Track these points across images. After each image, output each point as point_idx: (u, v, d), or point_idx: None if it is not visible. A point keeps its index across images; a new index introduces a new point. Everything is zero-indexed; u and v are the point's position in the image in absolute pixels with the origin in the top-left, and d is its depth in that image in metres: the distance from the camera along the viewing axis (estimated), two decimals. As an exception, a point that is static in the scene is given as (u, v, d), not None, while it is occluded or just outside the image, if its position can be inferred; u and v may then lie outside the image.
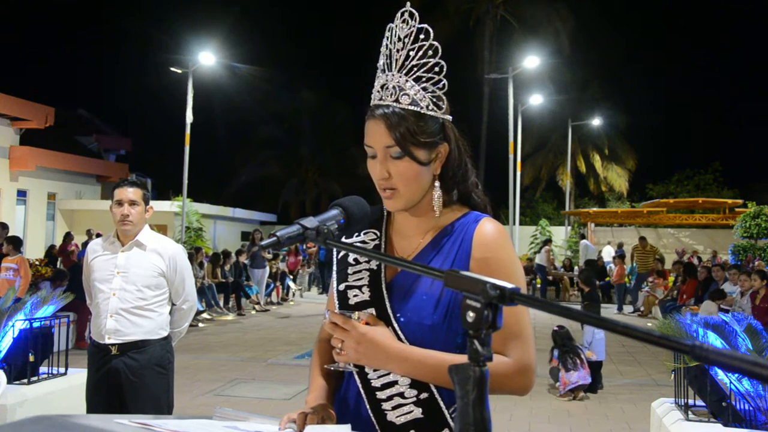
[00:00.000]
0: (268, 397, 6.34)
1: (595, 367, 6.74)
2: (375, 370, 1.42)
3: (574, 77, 31.71)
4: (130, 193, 3.32)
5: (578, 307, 9.47)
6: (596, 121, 31.05)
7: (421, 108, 1.40)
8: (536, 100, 25.04)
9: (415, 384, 1.40)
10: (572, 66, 31.21)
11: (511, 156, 20.48)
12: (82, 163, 23.58)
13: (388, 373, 1.41)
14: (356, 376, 1.44)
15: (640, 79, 39.00)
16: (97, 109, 32.26)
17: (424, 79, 1.40)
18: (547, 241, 18.47)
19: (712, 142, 38.65)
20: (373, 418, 1.41)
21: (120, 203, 3.31)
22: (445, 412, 1.39)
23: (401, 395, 1.40)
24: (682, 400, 4.04)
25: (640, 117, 34.24)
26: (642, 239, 16.63)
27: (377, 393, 1.42)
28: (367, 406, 1.42)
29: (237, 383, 6.86)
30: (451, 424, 1.39)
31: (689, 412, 3.95)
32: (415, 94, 1.39)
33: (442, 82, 1.41)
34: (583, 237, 18.77)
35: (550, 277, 17.51)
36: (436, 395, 1.39)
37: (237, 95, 33.20)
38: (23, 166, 20.17)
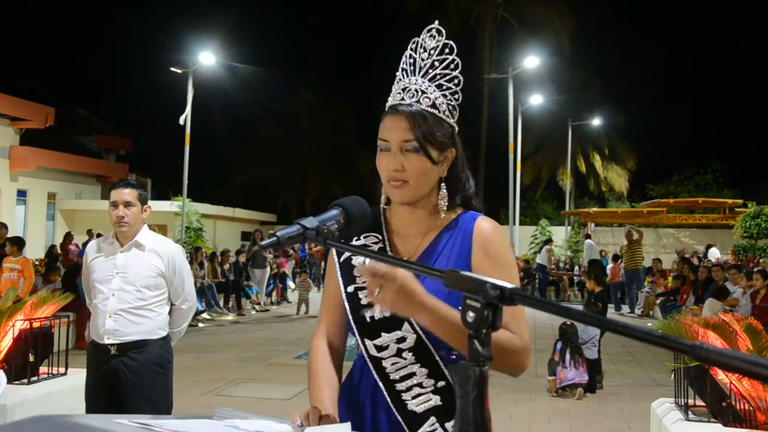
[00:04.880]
0: (269, 397, 6.34)
1: (591, 366, 6.69)
2: (393, 364, 1.49)
3: (574, 77, 31.74)
4: (125, 194, 3.30)
5: (580, 306, 9.46)
6: (596, 121, 31.07)
7: (440, 112, 1.52)
8: (536, 100, 25.05)
9: (432, 373, 1.48)
10: (572, 66, 31.26)
11: (511, 156, 20.50)
12: (82, 163, 23.57)
13: (405, 366, 1.48)
14: (373, 370, 1.51)
15: (640, 79, 39.03)
16: (97, 109, 32.32)
17: (444, 87, 1.53)
18: (548, 241, 18.49)
19: (712, 142, 38.67)
20: (393, 409, 1.48)
21: (115, 205, 3.29)
22: None
23: (420, 385, 1.48)
24: (682, 400, 4.04)
25: (640, 117, 34.30)
26: (629, 232, 15.02)
27: (396, 385, 1.49)
28: (387, 398, 1.49)
29: (237, 383, 6.86)
30: None
31: (689, 412, 3.94)
32: (436, 99, 1.52)
33: (458, 95, 1.55)
34: (588, 237, 18.76)
35: (551, 277, 17.50)
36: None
37: (237, 95, 33.25)
38: (23, 166, 20.18)
